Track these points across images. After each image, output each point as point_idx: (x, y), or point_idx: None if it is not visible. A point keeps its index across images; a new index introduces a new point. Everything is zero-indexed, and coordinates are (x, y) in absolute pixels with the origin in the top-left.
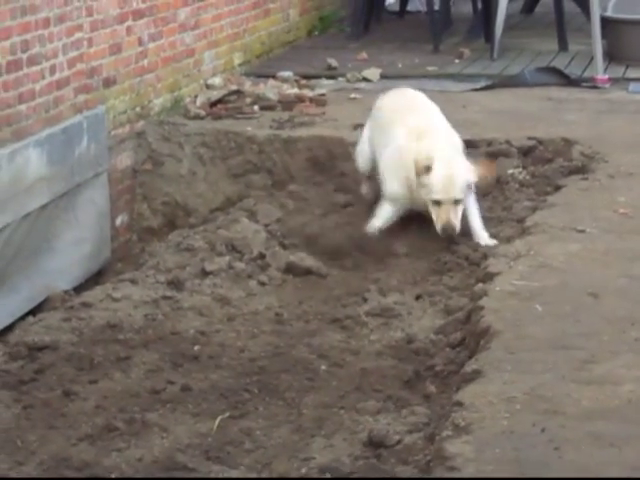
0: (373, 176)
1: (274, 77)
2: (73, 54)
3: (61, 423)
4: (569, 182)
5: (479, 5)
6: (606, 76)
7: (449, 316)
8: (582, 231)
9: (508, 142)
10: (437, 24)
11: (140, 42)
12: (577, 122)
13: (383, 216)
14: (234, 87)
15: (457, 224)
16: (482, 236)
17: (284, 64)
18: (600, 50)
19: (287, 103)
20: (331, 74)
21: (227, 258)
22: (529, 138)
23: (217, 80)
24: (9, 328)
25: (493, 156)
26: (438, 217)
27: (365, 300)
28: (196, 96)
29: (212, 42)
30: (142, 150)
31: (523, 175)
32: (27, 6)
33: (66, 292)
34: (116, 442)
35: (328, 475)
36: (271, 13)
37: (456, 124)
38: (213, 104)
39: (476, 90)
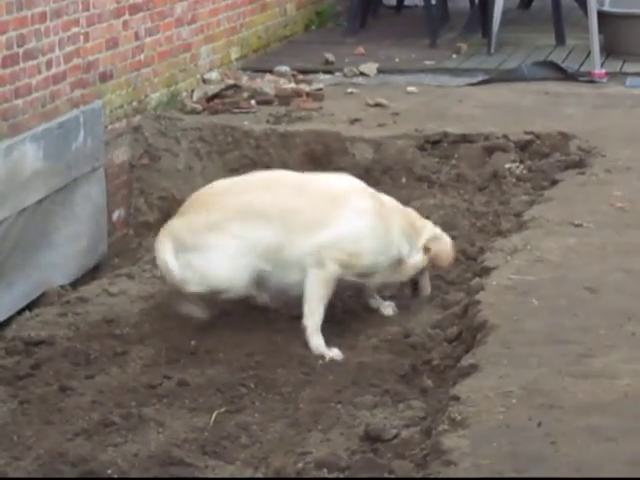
0: None
1: (271, 72)
2: (69, 48)
3: (57, 418)
4: (566, 176)
5: (476, 0)
6: (603, 70)
7: (446, 310)
8: (579, 225)
9: (505, 136)
10: (434, 19)
11: (137, 36)
12: (574, 116)
13: None
14: (231, 82)
15: None
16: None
17: (281, 59)
18: (597, 44)
19: (284, 98)
20: (328, 69)
21: None
22: (526, 132)
23: (214, 75)
24: (5, 323)
25: (490, 150)
26: None
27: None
28: (193, 91)
29: (209, 36)
30: (139, 145)
31: (520, 169)
32: (23, 0)
33: (62, 287)
34: (112, 437)
35: (325, 470)
36: (268, 7)
37: (453, 119)
38: (210, 99)
39: (473, 85)
